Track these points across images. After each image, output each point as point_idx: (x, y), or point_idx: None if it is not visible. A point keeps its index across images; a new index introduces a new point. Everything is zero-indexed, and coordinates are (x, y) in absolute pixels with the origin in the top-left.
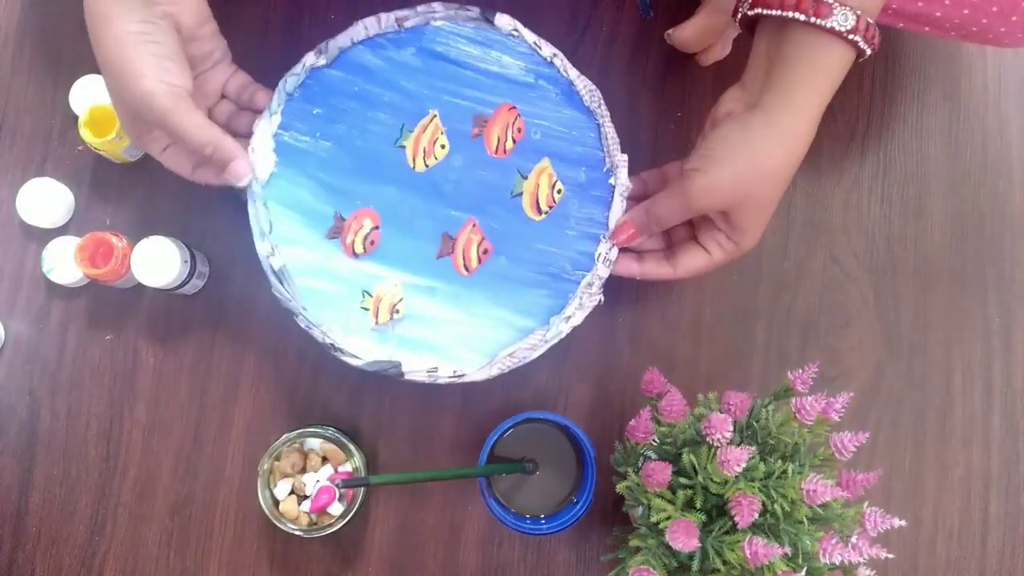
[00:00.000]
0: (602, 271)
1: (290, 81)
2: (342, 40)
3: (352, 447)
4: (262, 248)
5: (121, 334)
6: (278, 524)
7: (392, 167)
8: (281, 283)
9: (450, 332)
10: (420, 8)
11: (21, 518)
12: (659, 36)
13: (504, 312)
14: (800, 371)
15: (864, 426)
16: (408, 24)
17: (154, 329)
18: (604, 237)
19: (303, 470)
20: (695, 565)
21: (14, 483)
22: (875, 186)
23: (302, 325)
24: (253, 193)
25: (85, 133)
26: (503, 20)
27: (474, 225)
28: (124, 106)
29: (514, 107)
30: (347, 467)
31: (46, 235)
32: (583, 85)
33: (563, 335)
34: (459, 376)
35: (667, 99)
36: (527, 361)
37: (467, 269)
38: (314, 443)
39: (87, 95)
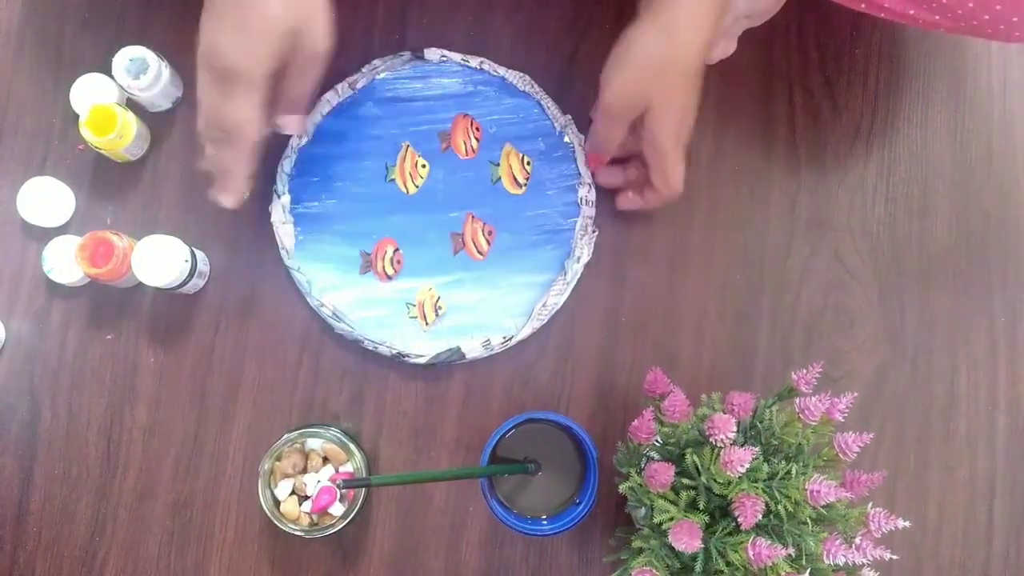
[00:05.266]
0: (588, 212)
1: (286, 164)
2: (314, 117)
3: (353, 447)
4: (312, 302)
5: (122, 334)
6: (279, 525)
7: (390, 199)
8: (340, 321)
9: (488, 309)
10: (364, 69)
11: (22, 518)
12: None
13: (524, 276)
14: (804, 371)
15: (868, 426)
16: (359, 85)
17: (155, 329)
18: (579, 185)
19: (304, 470)
20: (698, 566)
21: (15, 483)
22: (880, 185)
23: (369, 348)
24: (288, 261)
25: (86, 132)
26: (431, 52)
27: (473, 217)
28: (279, 18)
29: (467, 115)
30: (348, 467)
31: (47, 234)
32: (513, 76)
33: (579, 275)
34: (509, 339)
35: None
36: (558, 307)
37: (480, 254)
38: (315, 443)
39: (88, 94)
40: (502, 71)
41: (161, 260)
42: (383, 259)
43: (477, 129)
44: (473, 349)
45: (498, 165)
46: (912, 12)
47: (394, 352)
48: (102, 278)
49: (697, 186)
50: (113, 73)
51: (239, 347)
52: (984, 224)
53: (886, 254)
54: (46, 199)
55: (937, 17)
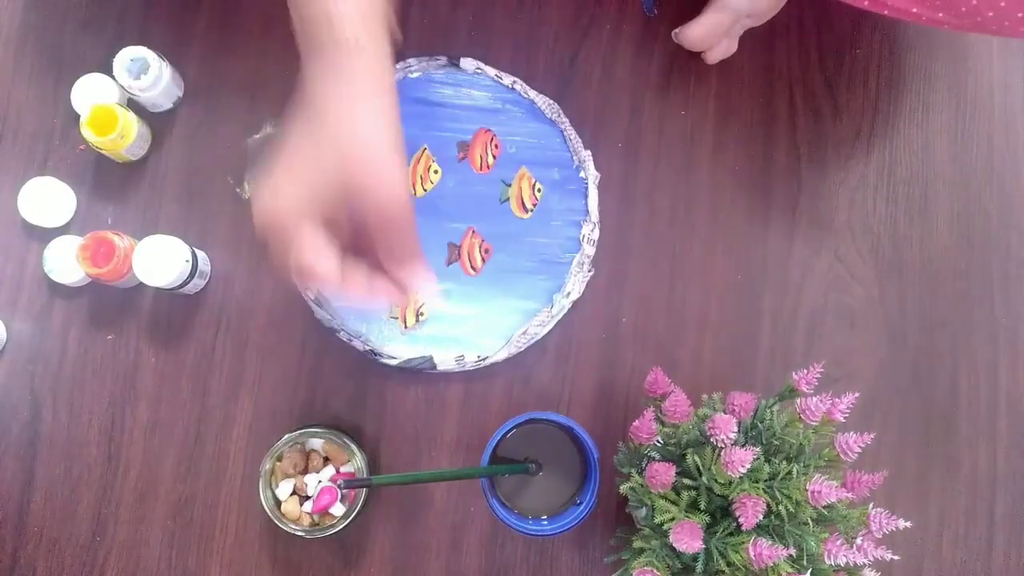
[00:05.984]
0: (588, 250)
1: None
2: None
3: (354, 447)
4: (297, 283)
5: (123, 334)
6: (280, 525)
7: None
8: (321, 307)
9: (469, 325)
10: (398, 66)
11: (23, 518)
12: (663, 34)
13: (512, 300)
14: (805, 371)
15: (869, 427)
16: None
17: (156, 329)
18: (584, 222)
19: (305, 470)
20: (699, 567)
21: (16, 483)
22: (880, 185)
23: (344, 339)
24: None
25: (87, 132)
26: (467, 62)
27: (473, 232)
28: (352, 177)
29: (489, 130)
30: (349, 468)
31: (48, 234)
32: (542, 101)
33: (565, 310)
34: (483, 359)
35: (671, 97)
36: (538, 337)
37: (474, 269)
38: (316, 443)
39: (89, 94)
40: (532, 94)
41: (162, 260)
42: None
43: (496, 146)
44: (445, 361)
45: (509, 186)
46: (915, 10)
47: (367, 348)
48: (103, 278)
49: (698, 186)
50: (114, 73)
51: (240, 347)
52: (985, 224)
53: (887, 254)
54: (47, 199)
55: (940, 15)
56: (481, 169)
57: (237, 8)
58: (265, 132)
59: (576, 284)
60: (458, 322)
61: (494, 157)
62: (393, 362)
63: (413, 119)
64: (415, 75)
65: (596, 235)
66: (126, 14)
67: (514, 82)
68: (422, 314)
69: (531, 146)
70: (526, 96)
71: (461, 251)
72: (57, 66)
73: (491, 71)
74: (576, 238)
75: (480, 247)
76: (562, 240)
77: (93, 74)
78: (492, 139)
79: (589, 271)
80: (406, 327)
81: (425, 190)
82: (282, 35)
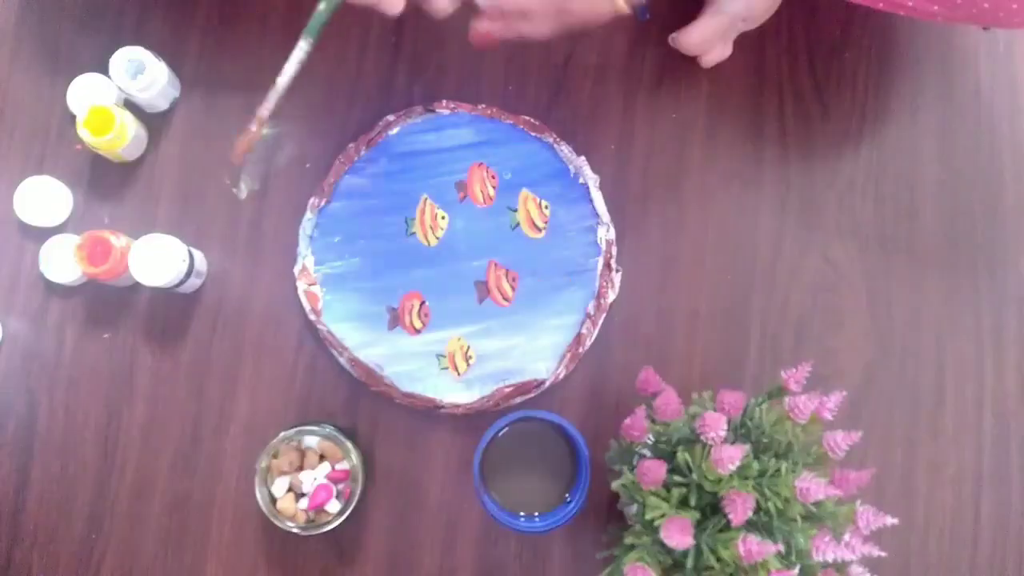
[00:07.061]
0: (609, 251)
1: (306, 226)
2: (331, 178)
3: (349, 445)
4: (343, 362)
5: (119, 333)
6: (275, 522)
7: (412, 252)
8: (379, 377)
9: (518, 354)
10: (378, 125)
11: (18, 516)
12: (655, 37)
13: (551, 319)
14: (793, 370)
15: (857, 425)
16: (374, 142)
17: (152, 328)
18: (598, 224)
19: (300, 468)
20: (689, 563)
21: (11, 481)
22: (868, 186)
23: (404, 404)
24: (319, 325)
25: (84, 132)
26: (441, 105)
27: (495, 264)
28: None
29: (481, 163)
30: (344, 465)
31: (44, 234)
32: (522, 122)
33: (606, 312)
34: (540, 384)
35: (663, 101)
36: (590, 344)
37: (506, 300)
38: (312, 441)
39: (85, 94)
40: (512, 119)
41: (158, 260)
42: (410, 313)
43: (493, 177)
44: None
45: (516, 211)
46: (910, 3)
47: (432, 406)
48: (100, 277)
49: (688, 187)
50: (110, 73)
51: (236, 346)
52: (971, 226)
53: (874, 254)
54: (43, 198)
55: (935, 7)
56: (485, 202)
57: (234, 8)
58: (262, 132)
59: (609, 286)
60: (507, 354)
61: (494, 188)
62: (459, 410)
63: (405, 173)
64: (395, 131)
65: (611, 235)
66: (123, 14)
67: (491, 111)
68: (471, 357)
69: (525, 167)
70: (506, 121)
71: (489, 286)
72: (53, 66)
73: (466, 106)
74: (594, 242)
75: (507, 277)
76: (581, 247)
77: (89, 74)
78: (487, 171)
79: (617, 270)
80: (459, 374)
81: (437, 238)
82: (279, 36)
